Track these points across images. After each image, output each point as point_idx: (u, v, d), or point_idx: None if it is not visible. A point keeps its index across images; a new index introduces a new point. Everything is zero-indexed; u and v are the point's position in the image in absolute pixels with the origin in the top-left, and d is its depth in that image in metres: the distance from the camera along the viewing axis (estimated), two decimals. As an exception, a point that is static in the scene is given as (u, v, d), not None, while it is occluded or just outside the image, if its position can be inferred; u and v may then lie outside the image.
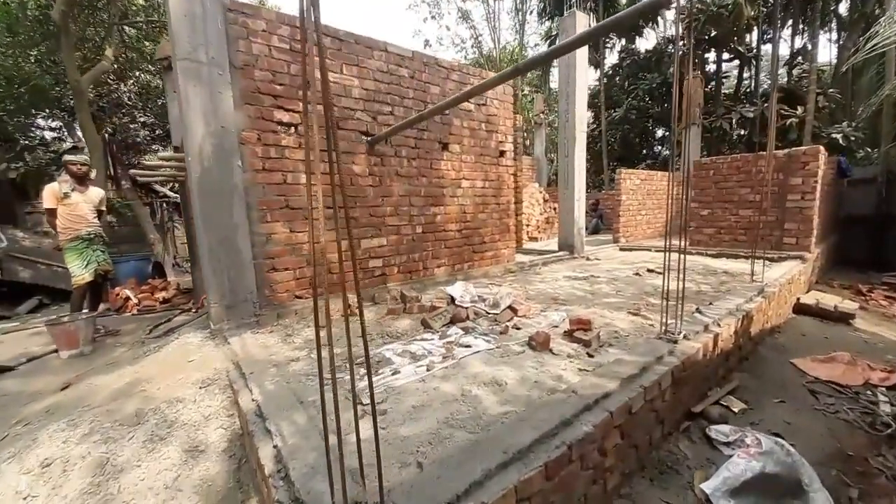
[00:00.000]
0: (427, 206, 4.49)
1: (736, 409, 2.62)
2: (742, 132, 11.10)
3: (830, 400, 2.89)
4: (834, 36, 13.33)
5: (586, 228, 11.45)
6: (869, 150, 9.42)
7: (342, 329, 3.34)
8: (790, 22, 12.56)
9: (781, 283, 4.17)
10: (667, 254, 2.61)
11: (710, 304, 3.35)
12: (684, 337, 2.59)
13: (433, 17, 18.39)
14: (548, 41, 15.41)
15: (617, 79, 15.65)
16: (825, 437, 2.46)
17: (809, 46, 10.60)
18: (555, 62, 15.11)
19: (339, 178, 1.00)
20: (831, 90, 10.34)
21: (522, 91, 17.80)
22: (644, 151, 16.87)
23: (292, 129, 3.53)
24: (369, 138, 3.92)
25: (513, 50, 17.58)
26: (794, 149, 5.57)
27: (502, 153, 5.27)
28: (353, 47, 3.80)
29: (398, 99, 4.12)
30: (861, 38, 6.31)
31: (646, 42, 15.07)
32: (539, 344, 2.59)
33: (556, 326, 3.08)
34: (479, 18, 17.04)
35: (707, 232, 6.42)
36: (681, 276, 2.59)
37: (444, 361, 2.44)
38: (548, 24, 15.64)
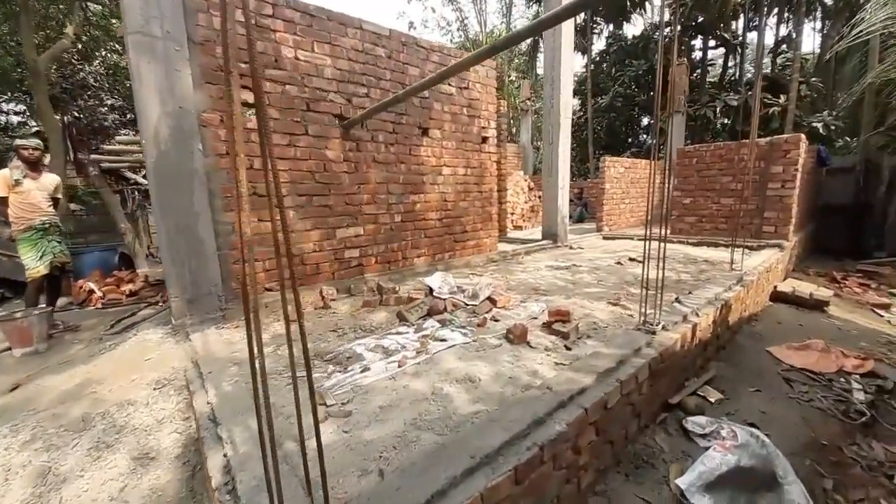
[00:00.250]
0: (406, 194, 4.35)
1: (712, 399, 2.61)
2: (726, 121, 11.15)
3: (804, 388, 2.90)
4: (818, 25, 13.42)
5: (571, 217, 11.43)
6: (848, 139, 9.57)
7: (325, 319, 3.22)
8: (776, 10, 12.55)
9: (760, 271, 4.18)
10: (646, 243, 2.54)
11: (690, 293, 3.32)
12: (663, 328, 2.55)
13: None
14: (535, 25, 15.08)
15: (604, 65, 15.50)
16: (800, 426, 2.46)
17: (794, 35, 10.63)
18: (541, 46, 14.89)
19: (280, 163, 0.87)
20: (814, 79, 10.42)
21: (509, 77, 17.54)
22: (630, 140, 16.87)
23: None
24: (344, 122, 3.73)
25: (499, 34, 17.22)
26: (775, 137, 5.57)
27: (485, 139, 5.13)
28: (326, 24, 3.58)
29: (374, 80, 3.93)
30: (845, 26, 6.30)
31: (633, 28, 14.90)
32: (516, 337, 2.51)
33: (535, 318, 3.01)
34: (466, 0, 16.51)
35: (689, 220, 6.43)
36: (661, 265, 2.53)
37: (417, 357, 2.35)
38: (535, 7, 15.32)
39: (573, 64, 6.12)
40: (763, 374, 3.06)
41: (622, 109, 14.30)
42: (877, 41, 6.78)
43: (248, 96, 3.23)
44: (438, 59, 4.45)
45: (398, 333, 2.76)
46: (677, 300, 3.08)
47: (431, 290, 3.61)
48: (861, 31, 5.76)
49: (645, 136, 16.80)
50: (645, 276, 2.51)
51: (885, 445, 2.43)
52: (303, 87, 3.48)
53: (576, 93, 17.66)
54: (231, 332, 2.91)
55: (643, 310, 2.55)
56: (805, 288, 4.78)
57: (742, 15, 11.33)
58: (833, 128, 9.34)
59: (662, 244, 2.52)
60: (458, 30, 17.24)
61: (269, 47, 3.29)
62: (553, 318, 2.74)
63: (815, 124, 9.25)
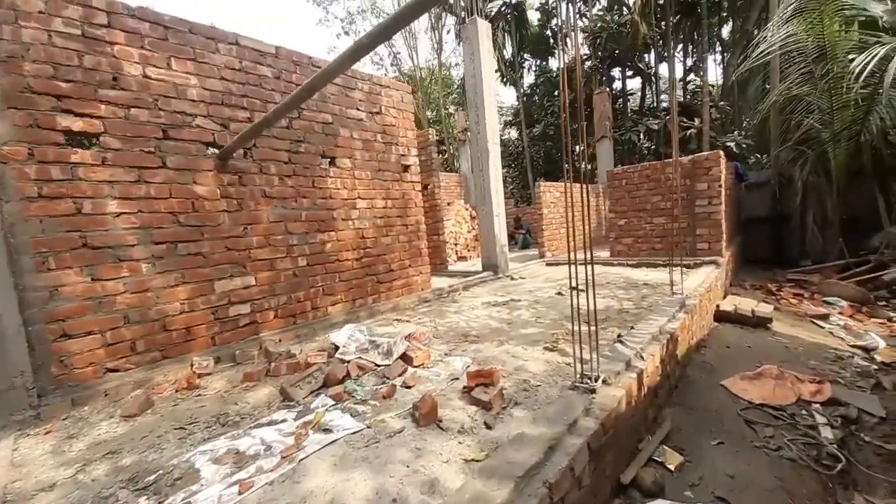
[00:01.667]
0: (312, 233, 3.70)
1: (672, 466, 2.12)
2: (649, 144, 11.77)
3: (769, 431, 2.52)
4: (719, 58, 14.96)
5: (515, 243, 11.27)
6: (759, 155, 10.34)
7: (182, 407, 2.40)
8: (681, 46, 13.79)
9: (701, 292, 3.94)
10: (571, 284, 2.08)
11: (632, 327, 2.91)
12: (604, 381, 2.06)
13: (346, 34, 17.74)
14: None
15: (535, 97, 16.13)
16: (775, 490, 2.02)
17: (700, 63, 11.59)
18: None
19: None
20: (721, 103, 11.32)
21: (446, 109, 17.79)
22: (567, 166, 17.48)
23: (94, 140, 2.59)
24: (218, 151, 3.08)
25: (433, 69, 17.59)
26: (696, 154, 5.63)
27: (406, 168, 4.66)
28: (188, 38, 2.98)
29: (259, 103, 3.34)
30: (749, 47, 6.74)
31: (558, 62, 15.74)
32: (423, 416, 1.90)
33: (457, 378, 2.42)
34: (397, 36, 16.70)
35: (626, 242, 6.31)
36: (590, 307, 2.07)
37: (278, 467, 1.65)
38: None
39: (495, 89, 5.94)
40: (722, 417, 2.66)
41: (555, 137, 14.80)
42: (777, 62, 7.34)
43: (74, 122, 2.51)
44: (342, 82, 3.98)
45: (270, 424, 2.04)
46: (619, 339, 2.64)
47: (337, 348, 2.93)
48: (762, 52, 6.15)
49: (582, 163, 17.51)
50: (575, 320, 2.03)
51: (867, 497, 2.04)
52: (156, 111, 2.80)
53: (511, 123, 18.25)
54: (34, 442, 2.04)
55: (580, 355, 2.06)
56: (746, 304, 4.63)
57: (653, 48, 12.28)
58: (744, 146, 10.05)
59: (592, 290, 2.07)
60: (391, 65, 17.37)
61: (103, 63, 2.62)
62: (474, 383, 2.16)
63: (728, 143, 9.91)
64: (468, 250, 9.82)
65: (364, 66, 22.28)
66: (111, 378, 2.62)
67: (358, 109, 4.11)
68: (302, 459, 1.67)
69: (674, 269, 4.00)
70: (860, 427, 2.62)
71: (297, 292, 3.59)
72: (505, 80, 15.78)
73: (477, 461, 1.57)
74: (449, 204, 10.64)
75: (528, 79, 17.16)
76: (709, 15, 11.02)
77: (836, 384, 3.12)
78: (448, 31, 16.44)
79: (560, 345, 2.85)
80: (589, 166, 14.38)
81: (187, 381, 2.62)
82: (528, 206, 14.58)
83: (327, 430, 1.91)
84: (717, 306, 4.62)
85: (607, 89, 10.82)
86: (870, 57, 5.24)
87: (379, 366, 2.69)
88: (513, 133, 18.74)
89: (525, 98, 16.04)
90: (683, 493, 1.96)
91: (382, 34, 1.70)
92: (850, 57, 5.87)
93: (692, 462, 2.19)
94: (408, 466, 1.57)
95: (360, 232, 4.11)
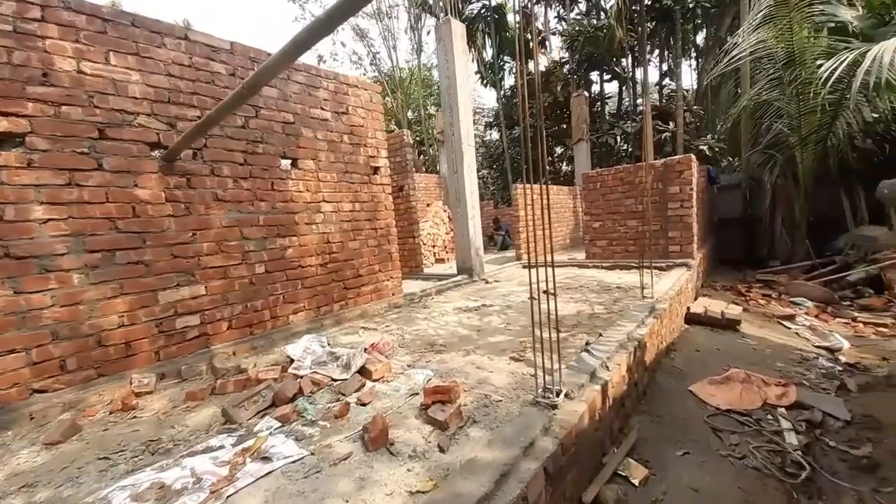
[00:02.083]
0: (271, 238, 3.51)
1: (637, 481, 2.03)
2: (626, 147, 11.91)
3: (735, 438, 2.48)
4: (693, 63, 15.30)
5: (494, 245, 11.23)
6: (731, 158, 10.58)
7: (112, 432, 2.19)
8: (657, 51, 14.04)
9: (671, 295, 3.92)
10: (535, 292, 1.99)
11: (601, 335, 2.84)
12: (566, 395, 1.96)
13: None
14: (447, 61, 15.41)
15: (515, 100, 16.16)
16: (739, 502, 1.96)
17: (674, 68, 11.81)
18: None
19: None
20: (695, 107, 11.54)
21: (426, 109, 17.66)
22: (548, 168, 17.59)
23: (19, 140, 2.36)
24: (162, 152, 2.87)
25: (412, 70, 17.42)
26: (668, 158, 5.66)
27: (375, 170, 4.51)
28: (129, 31, 2.77)
29: (212, 101, 3.14)
30: (720, 52, 6.84)
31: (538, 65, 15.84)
32: (372, 440, 1.76)
33: (417, 394, 2.29)
34: (377, 36, 16.56)
35: (600, 244, 6.31)
36: (551, 315, 1.98)
37: None
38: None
39: (470, 89, 5.85)
40: (689, 425, 2.60)
41: (535, 140, 14.83)
42: (747, 67, 7.49)
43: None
44: (305, 80, 3.81)
45: (206, 451, 1.87)
46: (587, 348, 2.56)
47: (292, 361, 2.76)
48: (733, 58, 6.24)
49: (561, 165, 17.65)
50: (540, 335, 1.93)
51: (831, 508, 2.00)
52: (91, 109, 2.58)
53: (492, 125, 18.27)
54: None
55: (543, 367, 1.96)
56: (716, 306, 4.65)
57: (630, 53, 12.46)
58: (717, 149, 10.27)
59: (554, 298, 1.98)
60: (370, 64, 17.13)
61: (33, 58, 2.39)
62: (431, 400, 2.04)
63: (701, 147, 10.10)
64: (446, 252, 9.70)
65: (342, 65, 22.01)
66: (38, 399, 2.38)
67: (322, 109, 3.94)
68: (230, 496, 1.51)
69: (645, 271, 3.97)
70: (825, 431, 2.60)
71: (254, 301, 3.40)
72: (485, 81, 15.76)
73: (423, 493, 1.44)
74: (428, 205, 10.52)
75: (510, 80, 17.23)
76: (684, 21, 11.25)
77: (802, 387, 3.13)
78: (428, 32, 16.35)
79: (527, 354, 2.75)
80: (568, 168, 14.49)
81: (122, 402, 2.41)
82: (508, 206, 14.59)
83: (266, 459, 1.75)
84: (688, 308, 4.63)
85: (585, 93, 10.90)
86: (838, 62, 5.37)
87: (336, 380, 2.54)
88: (494, 134, 18.77)
89: (505, 100, 16.06)
90: (647, 512, 1.88)
91: (320, 28, 1.56)
92: (819, 63, 6.01)
93: (657, 475, 2.12)
94: (346, 502, 1.43)
95: (325, 236, 3.94)
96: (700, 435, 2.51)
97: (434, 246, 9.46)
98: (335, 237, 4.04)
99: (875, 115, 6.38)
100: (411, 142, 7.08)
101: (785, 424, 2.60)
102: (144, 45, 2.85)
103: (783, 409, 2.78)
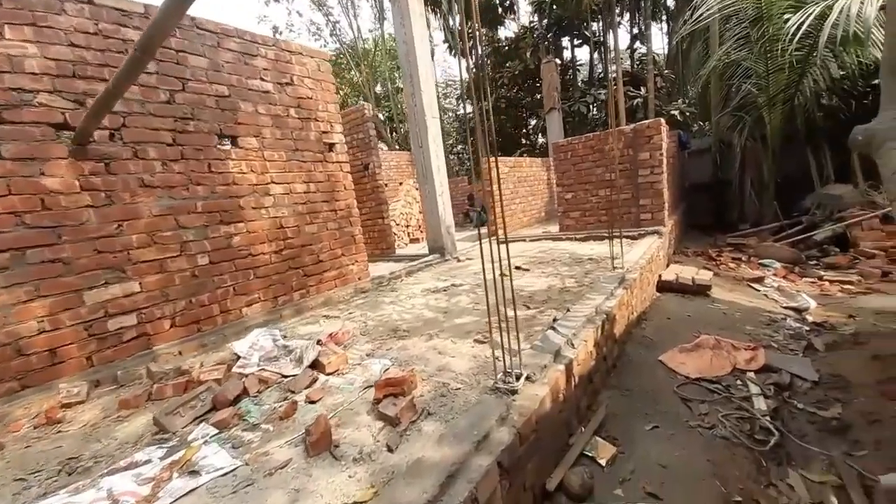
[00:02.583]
0: (213, 226, 3.21)
1: (603, 461, 1.95)
2: (598, 115, 11.73)
3: (704, 408, 2.43)
4: (665, 28, 15.05)
5: (470, 221, 11.02)
6: (701, 123, 10.55)
7: (35, 448, 1.95)
8: (627, 14, 13.70)
9: (642, 265, 3.84)
10: (486, 275, 1.81)
11: (568, 310, 2.72)
12: (527, 378, 1.83)
13: (277, 0, 16.11)
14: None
15: (485, 69, 15.65)
16: (707, 477, 1.89)
17: (644, 30, 11.55)
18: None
19: None
20: (666, 71, 11.38)
21: (394, 84, 16.94)
22: (523, 140, 17.31)
23: None
24: (71, 134, 2.51)
25: (376, 40, 16.54)
26: (638, 123, 5.51)
27: (330, 146, 4.19)
28: (24, 0, 2.35)
29: (127, 74, 2.76)
30: (688, 10, 6.60)
31: (507, 31, 15.30)
32: (313, 444, 1.58)
33: (372, 386, 2.12)
34: (333, 3, 15.48)
35: (573, 216, 6.20)
36: (498, 297, 1.82)
37: (107, 535, 1.29)
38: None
39: (430, 57, 5.49)
40: (659, 396, 2.54)
41: (508, 111, 14.49)
42: (716, 27, 7.31)
43: None
44: (239, 48, 3.42)
45: (129, 467, 1.66)
46: (553, 325, 2.43)
47: (239, 359, 2.54)
48: (701, 15, 6.02)
49: (535, 136, 17.39)
50: (499, 320, 1.77)
51: (802, 473, 1.97)
52: (-28, 84, 2.20)
53: (464, 97, 17.75)
54: None
55: (503, 349, 1.82)
56: (687, 273, 4.63)
57: (600, 16, 12.10)
58: (687, 114, 10.21)
59: (510, 276, 1.81)
60: (330, 34, 16.14)
61: None
62: (382, 394, 1.87)
63: (672, 112, 10.02)
64: (421, 232, 9.47)
65: (299, 36, 20.79)
66: (-60, 421, 2.11)
67: (262, 80, 3.57)
68: (141, 521, 1.32)
69: (615, 241, 3.87)
70: (793, 394, 2.59)
71: (200, 295, 3.13)
72: (453, 51, 15.15)
73: (360, 503, 1.28)
74: (400, 184, 10.19)
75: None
76: (652, -19, 10.93)
77: (770, 349, 3.12)
78: None
79: (493, 335, 2.61)
80: (543, 140, 14.24)
81: (47, 415, 2.17)
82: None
83: (194, 473, 1.56)
84: (660, 276, 4.59)
85: (556, 59, 10.56)
86: (805, 16, 5.24)
87: (287, 377, 2.34)
88: (469, 108, 18.26)
89: (475, 70, 15.52)
90: (613, 493, 1.79)
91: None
92: (786, 17, 5.88)
93: (625, 452, 2.04)
94: (273, 520, 1.26)
95: (277, 221, 3.65)
96: (670, 406, 2.45)
97: (408, 226, 9.21)
98: (289, 221, 3.75)
99: (842, 72, 6.36)
100: (374, 115, 6.69)
101: (754, 389, 2.57)
102: (42, 13, 2.45)
103: (752, 374, 2.76)
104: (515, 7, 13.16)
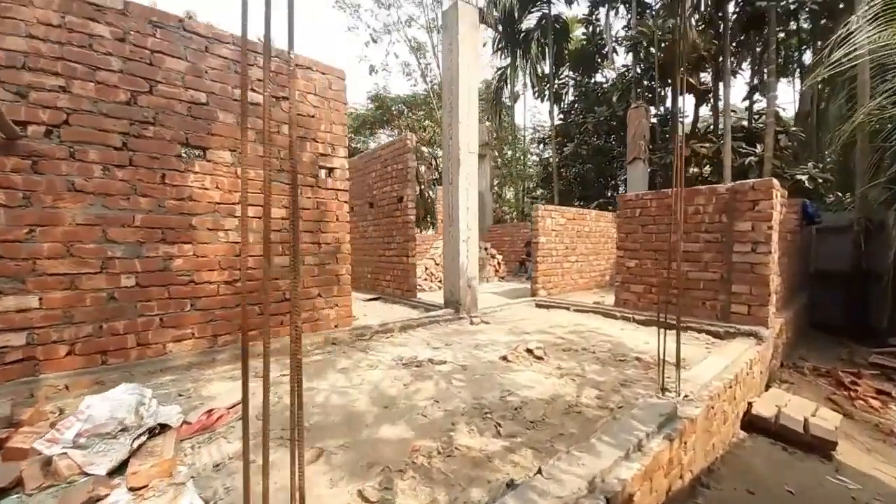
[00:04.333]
0: (151, 244, 2.78)
1: None
2: (696, 170, 9.95)
3: None
4: (797, 85, 12.74)
5: (525, 271, 9.82)
6: (839, 194, 8.23)
7: None
8: (748, 60, 11.89)
9: (717, 390, 2.48)
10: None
11: (540, 471, 1.60)
12: None
13: (374, 41, 17.22)
14: (500, 77, 14.53)
15: (572, 114, 14.77)
16: None
17: (766, 76, 9.70)
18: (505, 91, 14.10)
19: None
20: (793, 129, 9.31)
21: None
22: (608, 192, 15.78)
23: None
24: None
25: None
26: (738, 182, 4.11)
27: (329, 171, 3.67)
28: (-23, -22, 2.22)
29: (83, 69, 2.52)
30: (824, 46, 4.94)
31: (601, 76, 14.36)
32: None
33: (147, 542, 1.28)
34: (425, 39, 16.09)
35: (635, 290, 4.81)
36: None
37: None
38: (502, 58, 14.86)
39: (475, 83, 4.83)
40: None
41: (592, 159, 13.26)
42: (867, 72, 5.50)
43: None
44: (232, 55, 3.10)
45: None
46: (504, 497, 1.37)
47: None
48: (846, 55, 4.34)
49: (623, 188, 15.73)
50: None
51: None
52: None
53: (544, 142, 16.92)
54: None
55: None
56: (797, 407, 3.05)
57: (710, 64, 10.55)
58: (821, 181, 8.02)
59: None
60: (421, 76, 16.75)
61: None
62: None
63: (799, 177, 7.95)
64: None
65: (391, 74, 22.22)
66: None
67: (253, 91, 3.19)
68: None
69: (699, 333, 2.59)
70: None
71: (114, 322, 2.65)
72: (538, 94, 14.58)
73: None
74: (442, 221, 9.55)
75: (570, 97, 15.87)
76: (780, 27, 9.23)
77: None
78: (484, 44, 15.60)
79: (404, 480, 1.61)
80: (623, 192, 12.65)
81: None
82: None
83: None
84: (749, 405, 3.08)
85: (645, 105, 9.27)
86: None
87: (89, 475, 1.62)
88: (550, 153, 17.40)
89: (563, 116, 14.73)
90: None
91: None
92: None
93: None
94: None
95: (235, 247, 3.13)
96: None
97: (439, 265, 8.42)
98: (254, 249, 3.21)
99: None
100: (417, 147, 6.20)
101: None
102: (8, 3, 2.30)
103: None
104: (612, 56, 12.23)
